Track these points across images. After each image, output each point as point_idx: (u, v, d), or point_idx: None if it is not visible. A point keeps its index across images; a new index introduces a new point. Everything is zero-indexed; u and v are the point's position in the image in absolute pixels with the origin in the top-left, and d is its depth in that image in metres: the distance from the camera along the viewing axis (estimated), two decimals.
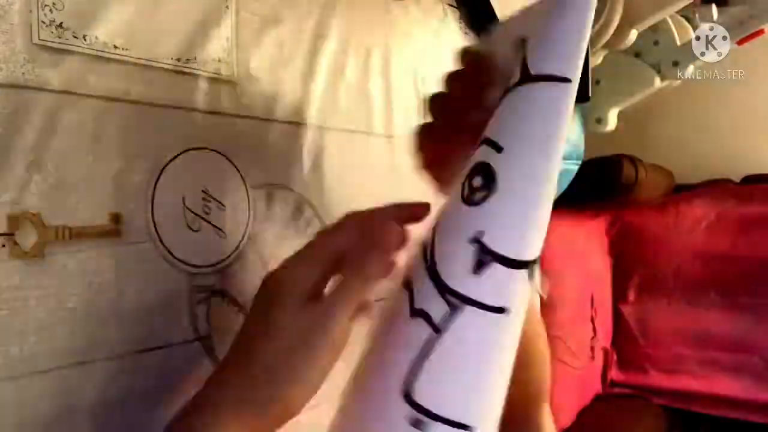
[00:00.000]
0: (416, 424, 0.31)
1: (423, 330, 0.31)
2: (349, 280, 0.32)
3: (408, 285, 0.33)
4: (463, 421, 0.31)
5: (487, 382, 0.32)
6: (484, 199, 0.31)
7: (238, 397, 0.29)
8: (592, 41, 0.93)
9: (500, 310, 0.31)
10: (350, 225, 0.34)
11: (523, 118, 0.31)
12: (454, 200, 0.33)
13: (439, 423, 0.31)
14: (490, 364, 0.32)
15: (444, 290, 0.32)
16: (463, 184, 0.32)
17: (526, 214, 0.31)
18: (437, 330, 0.31)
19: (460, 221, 0.32)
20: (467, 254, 0.31)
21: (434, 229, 0.33)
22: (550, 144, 0.31)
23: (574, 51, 0.31)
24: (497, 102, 0.33)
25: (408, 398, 0.31)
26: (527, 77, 0.31)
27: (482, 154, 0.32)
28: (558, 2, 0.31)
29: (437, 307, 0.31)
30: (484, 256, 0.31)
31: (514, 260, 0.31)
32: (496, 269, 0.31)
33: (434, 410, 0.31)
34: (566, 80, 0.30)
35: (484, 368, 0.32)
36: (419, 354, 0.31)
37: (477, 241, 0.31)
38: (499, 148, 0.31)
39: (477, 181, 0.32)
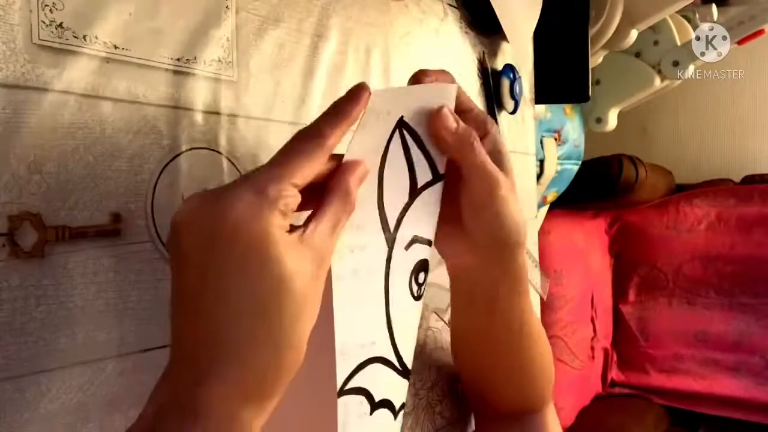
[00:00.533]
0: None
1: (385, 416, 0.35)
2: (337, 209, 0.30)
3: (388, 404, 0.35)
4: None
5: None
6: (425, 291, 0.37)
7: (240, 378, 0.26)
8: (593, 41, 0.93)
9: None
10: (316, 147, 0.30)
11: (435, 212, 0.37)
12: (404, 301, 0.35)
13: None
14: None
15: (408, 376, 0.36)
16: (410, 284, 0.35)
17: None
18: (397, 412, 0.36)
19: (415, 318, 0.36)
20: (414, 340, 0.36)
21: (394, 345, 0.35)
22: None
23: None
24: None
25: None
26: (437, 177, 0.37)
27: (419, 252, 0.36)
28: (437, 102, 0.36)
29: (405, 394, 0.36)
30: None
31: None
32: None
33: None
34: (444, 175, 0.37)
35: None
36: None
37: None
38: (430, 243, 0.37)
39: (421, 277, 0.36)
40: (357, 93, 0.32)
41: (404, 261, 0.35)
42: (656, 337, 1.66)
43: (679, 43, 1.22)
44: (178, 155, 0.35)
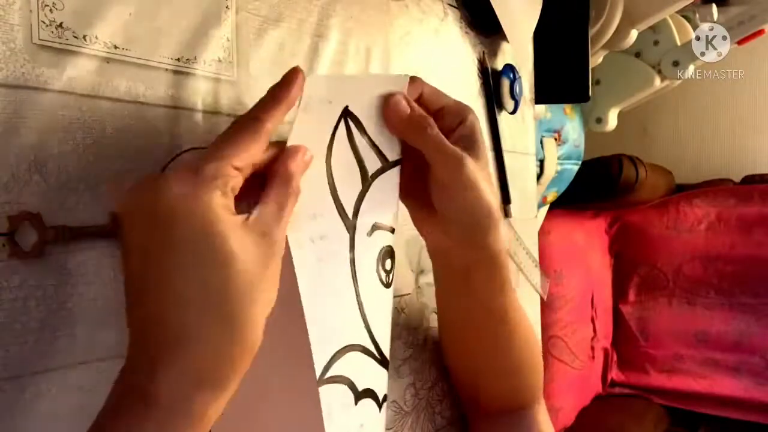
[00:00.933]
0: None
1: (370, 406, 0.36)
2: (279, 192, 0.30)
3: (371, 393, 0.36)
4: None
5: None
6: (394, 275, 0.38)
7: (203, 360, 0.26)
8: (593, 41, 0.93)
9: None
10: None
11: (393, 199, 0.38)
12: (374, 293, 0.36)
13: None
14: None
15: (387, 367, 0.37)
16: (377, 270, 0.37)
17: None
18: (381, 403, 0.37)
19: (388, 304, 0.38)
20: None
21: (371, 334, 0.36)
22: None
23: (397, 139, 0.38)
24: None
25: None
26: (387, 164, 0.38)
27: (381, 239, 0.37)
28: (382, 92, 0.37)
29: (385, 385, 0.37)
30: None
31: None
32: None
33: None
34: (401, 161, 0.39)
35: None
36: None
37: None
38: (393, 230, 0.38)
39: (388, 264, 0.38)
40: (290, 77, 0.31)
41: (369, 247, 0.36)
42: (656, 337, 1.66)
43: (679, 43, 1.22)
44: (178, 155, 0.35)
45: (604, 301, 1.67)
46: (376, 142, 0.37)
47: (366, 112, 0.37)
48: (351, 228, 0.35)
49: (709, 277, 1.60)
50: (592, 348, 1.60)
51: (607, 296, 1.70)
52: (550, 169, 1.16)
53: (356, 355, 0.34)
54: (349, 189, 0.36)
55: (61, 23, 0.30)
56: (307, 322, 0.31)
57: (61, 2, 0.30)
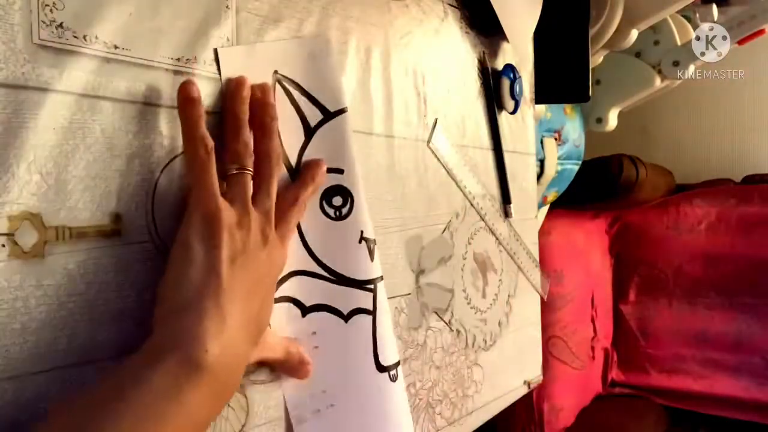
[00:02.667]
0: (393, 378, 0.45)
1: (365, 320, 0.44)
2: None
3: (326, 307, 0.42)
4: (398, 358, 0.46)
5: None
6: (350, 210, 0.44)
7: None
8: (593, 41, 0.93)
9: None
10: None
11: (341, 144, 0.44)
12: (322, 225, 0.42)
13: (398, 367, 0.46)
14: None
15: (360, 285, 0.44)
16: (322, 207, 0.43)
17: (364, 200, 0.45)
18: (372, 312, 0.44)
19: (344, 233, 0.43)
20: (362, 251, 0.44)
21: (315, 258, 0.42)
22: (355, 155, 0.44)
23: (342, 87, 0.44)
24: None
25: (381, 368, 0.44)
26: (329, 115, 0.43)
27: (328, 179, 0.43)
28: (310, 52, 0.43)
29: (365, 299, 0.44)
30: (370, 245, 0.45)
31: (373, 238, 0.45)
32: (376, 249, 0.45)
33: (393, 362, 0.45)
34: (346, 110, 0.44)
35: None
36: (372, 337, 0.44)
37: (363, 238, 0.44)
38: (341, 171, 0.43)
39: (337, 201, 0.43)
40: (182, 96, 0.34)
41: None
42: (656, 337, 1.66)
43: (679, 43, 1.22)
44: (178, 155, 0.35)
45: (604, 301, 1.67)
46: (317, 98, 0.43)
47: (301, 72, 0.42)
48: (294, 175, 0.41)
49: (709, 277, 1.60)
50: (593, 348, 1.60)
51: (607, 296, 1.70)
52: (551, 169, 1.16)
53: (302, 279, 0.41)
54: (293, 143, 0.41)
55: (61, 23, 0.30)
56: None
57: (61, 2, 0.30)
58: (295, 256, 0.41)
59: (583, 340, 1.55)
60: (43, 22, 0.29)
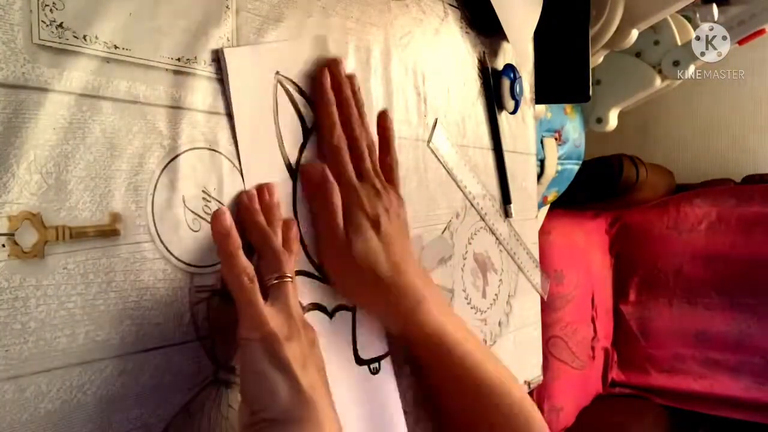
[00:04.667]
0: (374, 371, 0.46)
1: (346, 316, 0.45)
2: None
3: (317, 306, 0.43)
4: (386, 350, 0.48)
5: None
6: None
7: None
8: (593, 41, 0.93)
9: None
10: None
11: None
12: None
13: (380, 359, 0.47)
14: None
15: None
16: None
17: None
18: (352, 308, 0.45)
19: None
20: None
21: (309, 257, 0.43)
22: None
23: None
24: None
25: (360, 361, 0.45)
26: None
27: None
28: (309, 53, 0.44)
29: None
30: None
31: None
32: None
33: (374, 356, 0.46)
34: None
35: None
36: (352, 332, 0.45)
37: None
38: None
39: None
40: (216, 230, 0.35)
41: None
42: (657, 337, 1.66)
43: (679, 43, 1.22)
44: (178, 155, 0.35)
45: (604, 301, 1.67)
46: (313, 100, 0.44)
47: (299, 73, 0.43)
48: (294, 177, 0.42)
49: (709, 277, 1.60)
50: (593, 348, 1.60)
51: (607, 296, 1.70)
52: (551, 169, 1.16)
53: (298, 279, 0.42)
54: (292, 142, 0.42)
55: (61, 23, 0.30)
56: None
57: (61, 2, 0.30)
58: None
59: (584, 340, 1.55)
60: (43, 22, 0.29)
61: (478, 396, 0.45)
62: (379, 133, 0.47)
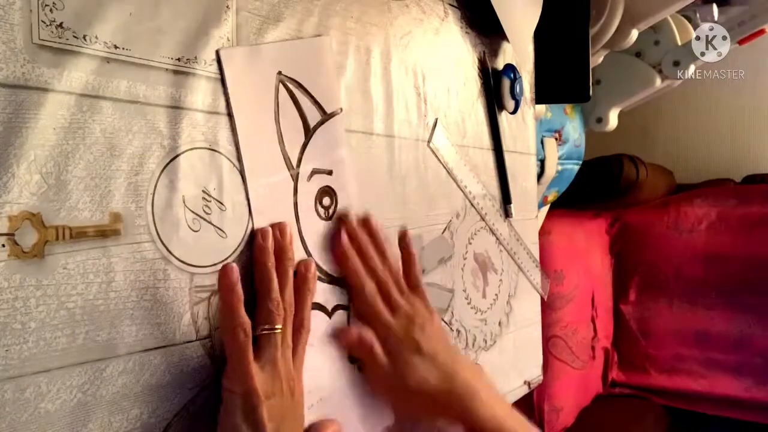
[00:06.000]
0: (360, 368, 0.46)
1: (343, 315, 0.46)
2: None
3: (318, 306, 0.44)
4: None
5: None
6: (335, 209, 0.46)
7: None
8: (593, 41, 0.93)
9: None
10: None
11: (334, 145, 0.45)
12: (315, 226, 0.44)
13: None
14: None
15: (341, 282, 0.46)
16: (316, 209, 0.44)
17: (357, 200, 0.48)
18: (347, 306, 0.46)
19: (329, 233, 0.45)
20: None
21: (306, 250, 0.44)
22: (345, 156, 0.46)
23: (338, 87, 0.46)
24: None
25: (352, 359, 0.46)
26: (326, 116, 0.45)
27: (319, 180, 0.44)
28: (310, 53, 0.44)
29: (342, 295, 0.46)
30: None
31: None
32: None
33: None
34: (340, 111, 0.46)
35: None
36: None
37: None
38: (330, 173, 0.45)
39: (326, 201, 0.45)
40: (222, 283, 0.36)
41: (308, 190, 0.43)
42: (657, 337, 1.66)
43: (679, 43, 1.22)
44: (178, 155, 0.35)
45: (604, 301, 1.67)
46: (316, 97, 0.44)
47: (301, 72, 0.43)
48: (295, 177, 0.42)
49: (709, 277, 1.60)
50: (593, 348, 1.60)
51: (607, 296, 1.69)
52: (551, 169, 1.16)
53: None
54: (294, 141, 0.42)
55: (61, 23, 0.30)
56: None
57: (61, 2, 0.30)
58: (297, 257, 0.42)
59: (584, 340, 1.55)
60: (43, 22, 0.29)
61: None
62: (402, 252, 0.50)
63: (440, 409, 0.46)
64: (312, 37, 0.44)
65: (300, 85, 0.43)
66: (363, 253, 0.46)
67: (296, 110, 0.43)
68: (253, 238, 0.39)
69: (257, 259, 0.39)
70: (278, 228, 0.40)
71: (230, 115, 0.38)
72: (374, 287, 0.46)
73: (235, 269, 0.36)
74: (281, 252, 0.40)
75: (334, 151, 0.45)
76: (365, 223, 0.47)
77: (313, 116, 0.44)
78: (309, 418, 0.42)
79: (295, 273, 0.41)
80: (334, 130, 0.45)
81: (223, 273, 0.36)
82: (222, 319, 0.37)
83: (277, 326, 0.38)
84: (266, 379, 0.36)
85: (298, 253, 0.42)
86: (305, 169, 0.43)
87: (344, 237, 0.45)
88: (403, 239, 0.51)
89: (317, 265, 0.44)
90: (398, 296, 0.48)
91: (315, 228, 0.44)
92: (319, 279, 0.44)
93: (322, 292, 0.44)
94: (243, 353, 0.36)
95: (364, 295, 0.46)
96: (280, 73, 0.41)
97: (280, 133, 0.41)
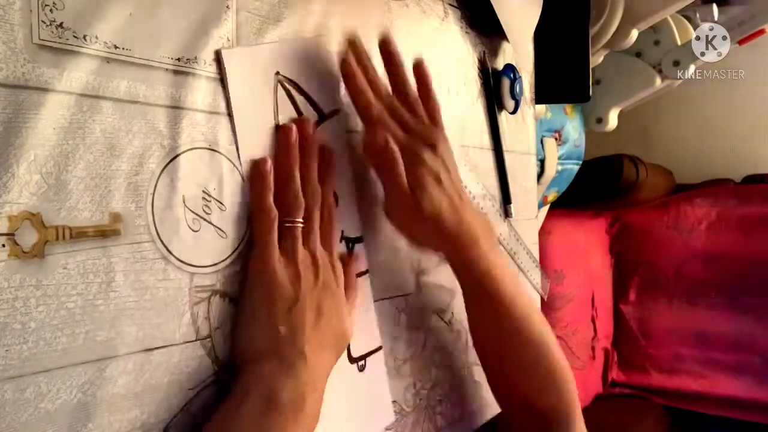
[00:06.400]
0: (361, 368, 0.46)
1: None
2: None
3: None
4: (378, 345, 0.48)
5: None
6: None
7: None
8: (593, 41, 0.93)
9: (366, 271, 0.48)
10: None
11: (333, 144, 0.45)
12: None
13: (369, 356, 0.47)
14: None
15: None
16: None
17: (354, 201, 0.48)
18: None
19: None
20: (342, 249, 0.46)
21: None
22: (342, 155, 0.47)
23: (337, 88, 0.46)
24: None
25: (351, 359, 0.46)
26: (323, 116, 0.45)
27: None
28: (309, 53, 0.44)
29: None
30: (350, 244, 0.47)
31: (360, 237, 0.48)
32: (358, 247, 0.47)
33: (364, 352, 0.47)
34: (339, 111, 0.46)
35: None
36: None
37: (343, 237, 0.46)
38: None
39: None
40: (257, 169, 0.39)
41: None
42: (657, 337, 1.66)
43: (679, 43, 1.22)
44: (178, 155, 0.35)
45: (604, 301, 1.67)
46: (314, 98, 0.44)
47: (299, 73, 0.43)
48: None
49: (709, 277, 1.60)
50: (593, 348, 1.60)
51: (607, 296, 1.69)
52: (551, 169, 1.16)
53: None
54: None
55: (61, 23, 0.30)
56: None
57: (61, 2, 0.30)
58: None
59: (584, 340, 1.55)
60: (43, 22, 0.29)
61: (524, 349, 0.49)
62: (417, 81, 0.49)
63: (447, 249, 0.48)
64: (310, 37, 0.44)
65: (297, 86, 0.43)
66: (371, 81, 0.46)
67: (294, 110, 0.43)
68: (278, 133, 0.40)
69: (279, 155, 0.40)
70: (301, 121, 0.42)
71: (230, 115, 0.38)
72: (383, 110, 0.45)
73: (269, 163, 0.39)
74: (305, 142, 0.41)
75: (334, 148, 0.45)
76: (384, 44, 0.47)
77: (311, 117, 0.44)
78: None
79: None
80: (333, 131, 0.45)
81: (257, 163, 0.38)
82: (251, 205, 0.39)
83: (297, 219, 0.39)
84: (286, 264, 0.38)
85: None
86: None
87: (351, 57, 0.44)
88: (418, 69, 0.49)
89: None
90: (412, 123, 0.47)
91: None
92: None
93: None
94: (266, 237, 0.38)
95: (374, 120, 0.45)
96: (278, 73, 0.41)
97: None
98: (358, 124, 0.48)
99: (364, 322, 0.47)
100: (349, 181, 0.47)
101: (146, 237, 0.34)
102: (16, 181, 0.28)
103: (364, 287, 0.47)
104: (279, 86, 0.41)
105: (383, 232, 0.50)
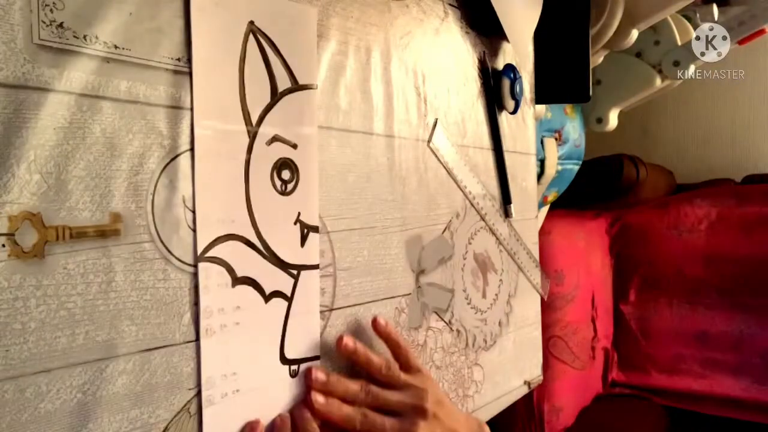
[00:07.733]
0: (294, 374, 0.43)
1: (281, 305, 0.42)
2: None
3: (252, 282, 0.40)
4: (316, 354, 0.44)
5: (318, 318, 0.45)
6: (294, 188, 0.42)
7: None
8: (593, 41, 0.93)
9: (317, 266, 0.44)
10: None
11: (301, 119, 0.43)
12: (267, 196, 0.41)
13: (303, 363, 0.43)
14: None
15: (285, 267, 0.42)
16: (272, 178, 0.41)
17: (317, 188, 0.44)
18: (289, 299, 0.42)
19: (284, 210, 0.42)
20: (294, 234, 0.43)
21: (255, 228, 0.40)
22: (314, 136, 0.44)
23: (316, 64, 0.44)
24: None
25: (284, 360, 0.42)
26: (298, 86, 0.42)
27: (281, 150, 0.41)
28: (292, 18, 0.41)
29: (285, 283, 0.42)
30: (304, 231, 0.43)
31: (316, 226, 0.44)
32: (312, 237, 0.44)
33: (300, 357, 0.43)
34: (315, 87, 0.44)
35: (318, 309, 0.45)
36: (283, 325, 0.42)
37: (299, 221, 0.43)
38: (295, 146, 0.42)
39: (286, 175, 0.42)
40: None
41: (265, 154, 0.40)
42: (657, 338, 1.66)
43: (679, 43, 1.22)
44: (178, 155, 0.35)
45: (604, 301, 1.67)
46: (289, 63, 0.41)
47: (279, 32, 0.40)
48: (252, 134, 0.39)
49: (709, 278, 1.60)
50: (593, 348, 1.60)
51: (607, 296, 1.69)
52: (551, 169, 1.16)
53: (237, 245, 0.39)
54: (257, 98, 0.40)
55: (61, 23, 0.30)
56: (195, 199, 0.36)
57: (61, 2, 0.30)
58: (238, 220, 0.39)
59: (584, 340, 1.55)
60: (43, 22, 0.29)
61: None
62: (381, 337, 0.48)
63: None
64: (298, 3, 0.42)
65: (273, 44, 0.40)
66: (341, 393, 0.44)
67: (265, 67, 0.40)
68: None
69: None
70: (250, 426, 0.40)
71: (189, 60, 0.36)
72: (360, 416, 0.44)
73: (261, 427, 0.39)
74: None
75: (302, 125, 0.43)
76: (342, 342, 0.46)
77: (283, 81, 0.41)
78: (220, 408, 0.37)
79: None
80: (306, 104, 0.43)
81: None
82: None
83: None
84: None
85: (242, 218, 0.39)
86: (266, 131, 0.40)
87: (317, 397, 0.43)
88: (375, 325, 0.48)
89: (262, 238, 0.40)
90: (398, 399, 0.46)
91: (267, 199, 0.40)
92: (261, 255, 0.40)
93: (260, 270, 0.40)
94: None
95: (356, 425, 0.44)
96: (252, 23, 0.39)
97: (243, 84, 0.39)
98: (358, 123, 0.48)
99: (306, 324, 0.44)
100: (312, 162, 0.44)
101: (146, 237, 0.34)
102: (17, 181, 0.28)
103: (312, 284, 0.44)
104: (251, 36, 0.39)
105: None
